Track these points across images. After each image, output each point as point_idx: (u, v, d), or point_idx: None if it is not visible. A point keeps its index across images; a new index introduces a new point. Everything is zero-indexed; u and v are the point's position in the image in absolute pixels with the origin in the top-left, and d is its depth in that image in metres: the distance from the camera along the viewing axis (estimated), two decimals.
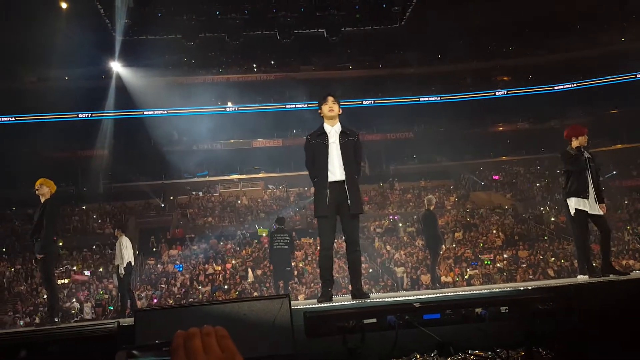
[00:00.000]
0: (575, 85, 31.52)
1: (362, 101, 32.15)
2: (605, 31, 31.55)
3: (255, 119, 30.96)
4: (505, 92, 32.51)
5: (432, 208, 12.00)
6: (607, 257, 6.80)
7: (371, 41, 30.35)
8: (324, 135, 5.45)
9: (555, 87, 31.89)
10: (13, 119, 29.04)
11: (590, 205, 6.70)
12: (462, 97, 32.68)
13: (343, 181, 5.31)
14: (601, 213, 6.73)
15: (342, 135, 5.44)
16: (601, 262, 6.78)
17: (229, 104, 32.19)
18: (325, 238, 5.43)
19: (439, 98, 32.57)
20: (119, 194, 30.48)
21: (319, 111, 5.58)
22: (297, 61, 32.79)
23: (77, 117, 29.70)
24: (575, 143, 6.90)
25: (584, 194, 6.68)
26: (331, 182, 5.32)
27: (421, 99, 32.64)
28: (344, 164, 5.33)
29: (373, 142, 32.43)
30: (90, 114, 29.67)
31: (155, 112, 30.48)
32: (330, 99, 5.53)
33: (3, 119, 28.94)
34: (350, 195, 5.29)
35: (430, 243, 12.00)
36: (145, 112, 30.22)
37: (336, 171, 5.33)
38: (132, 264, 11.45)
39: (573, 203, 6.76)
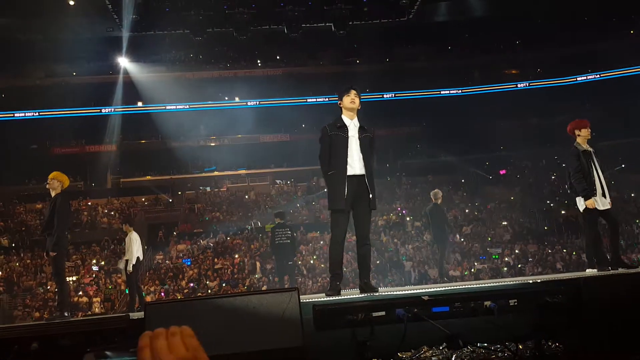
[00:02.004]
0: (598, 76, 31.16)
1: (382, 94, 32.09)
2: (614, 24, 31.30)
3: (263, 114, 30.99)
4: (527, 84, 32.27)
5: (439, 202, 11.95)
6: (617, 251, 6.80)
7: (379, 35, 30.28)
8: (344, 128, 5.43)
9: (578, 79, 31.59)
10: (37, 114, 29.11)
11: (600, 201, 6.71)
12: (484, 90, 32.38)
13: (362, 175, 5.33)
14: (609, 207, 6.73)
15: (361, 130, 5.46)
16: (610, 256, 6.77)
17: (236, 98, 32.21)
18: (339, 232, 5.40)
19: (460, 91, 32.31)
20: (127, 189, 30.61)
21: (339, 102, 5.57)
22: (304, 56, 32.73)
23: (100, 112, 29.71)
24: (579, 139, 6.91)
25: (592, 192, 6.69)
26: (350, 176, 5.31)
27: (442, 92, 32.40)
28: (363, 158, 5.35)
29: (380, 137, 32.26)
30: (113, 109, 29.71)
31: (178, 107, 30.49)
32: (353, 91, 5.52)
33: (27, 114, 29.02)
34: (371, 190, 5.33)
35: (437, 237, 11.98)
36: (167, 107, 30.25)
37: (355, 165, 5.33)
38: (141, 258, 11.47)
39: (583, 201, 6.76)
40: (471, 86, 32.76)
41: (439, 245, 12.14)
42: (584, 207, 6.75)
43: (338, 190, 5.30)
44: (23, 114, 28.91)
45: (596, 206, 6.67)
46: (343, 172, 5.30)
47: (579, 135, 6.92)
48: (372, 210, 5.43)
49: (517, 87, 32.46)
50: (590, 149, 6.88)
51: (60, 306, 7.47)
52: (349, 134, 5.39)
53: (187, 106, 30.80)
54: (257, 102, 31.69)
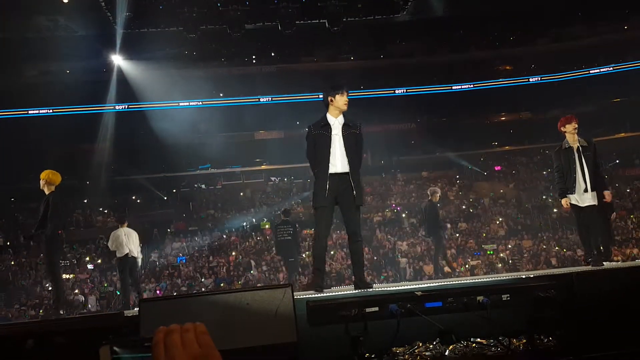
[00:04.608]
0: (611, 68, 31.04)
1: (394, 90, 32.04)
2: (607, 19, 31.36)
3: (257, 111, 30.96)
4: (539, 78, 32.18)
5: (434, 199, 12.01)
6: (599, 247, 6.81)
7: (373, 31, 30.27)
8: (327, 127, 5.48)
9: (591, 71, 31.48)
10: (50, 111, 29.07)
11: (579, 198, 6.73)
12: (493, 85, 32.18)
13: (345, 173, 5.36)
14: (592, 203, 6.71)
15: (345, 127, 5.48)
16: (593, 252, 6.82)
17: (225, 93, 32.14)
18: (322, 228, 5.47)
19: (471, 86, 32.18)
20: (122, 187, 30.49)
21: (330, 99, 5.54)
22: (298, 53, 32.66)
23: (114, 108, 29.70)
24: (567, 135, 6.96)
25: (571, 190, 6.74)
26: (331, 174, 5.36)
27: (453, 87, 32.26)
28: (347, 155, 5.38)
29: (375, 134, 32.36)
30: (127, 106, 29.83)
31: (191, 104, 30.52)
32: (346, 92, 5.56)
33: (41, 111, 28.98)
34: (355, 186, 5.34)
35: (431, 233, 12.08)
36: (180, 104, 30.30)
37: (337, 163, 5.37)
38: (132, 256, 11.20)
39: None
40: (473, 82, 32.51)
41: (434, 241, 12.25)
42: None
43: (320, 188, 5.38)
44: (37, 111, 28.91)
45: (575, 203, 6.74)
46: (325, 170, 5.37)
47: (565, 131, 6.98)
48: (359, 207, 5.43)
49: (529, 81, 32.33)
50: (578, 145, 6.89)
51: (56, 304, 7.50)
52: (332, 133, 5.44)
53: (208, 102, 30.86)
54: (268, 99, 31.64)
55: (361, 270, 5.49)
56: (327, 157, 5.37)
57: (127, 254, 10.94)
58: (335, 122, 5.49)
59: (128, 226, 11.43)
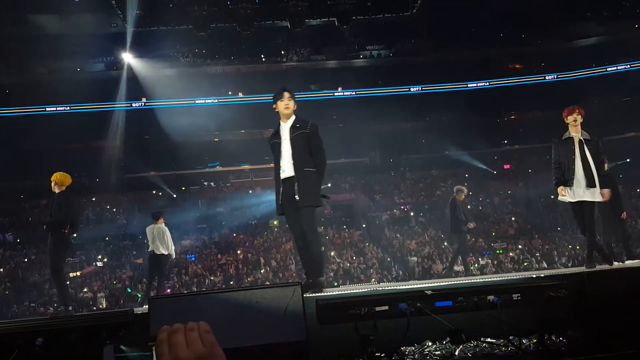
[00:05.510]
0: (629, 66, 30.69)
1: (409, 88, 31.91)
2: (617, 18, 31.12)
3: (266, 109, 30.92)
4: (555, 76, 31.91)
5: (457, 197, 12.04)
6: (591, 248, 6.59)
7: (382, 30, 30.18)
8: (277, 134, 5.48)
9: (608, 69, 31.16)
10: (68, 108, 29.24)
11: (575, 192, 6.50)
12: (508, 82, 32.05)
13: (292, 176, 5.29)
14: (588, 199, 6.46)
15: (293, 129, 5.38)
16: (586, 253, 6.68)
17: (240, 94, 32.14)
18: (292, 234, 5.49)
19: (487, 83, 32.00)
20: (131, 185, 30.55)
21: (274, 107, 5.53)
22: (307, 51, 32.66)
23: (131, 106, 29.82)
24: (569, 126, 6.81)
25: (568, 183, 6.53)
26: (283, 180, 5.34)
27: (469, 85, 32.10)
28: (293, 158, 5.29)
29: (384, 132, 32.29)
30: (143, 103, 29.95)
31: (207, 101, 30.57)
32: (286, 95, 5.47)
33: (58, 109, 29.13)
34: (298, 188, 5.22)
35: (455, 231, 12.14)
36: (197, 101, 30.37)
37: (286, 168, 5.33)
38: (158, 253, 11.28)
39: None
40: (489, 79, 32.26)
41: (454, 237, 12.30)
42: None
43: (276, 196, 5.43)
44: (54, 109, 29.06)
45: (570, 198, 6.54)
46: (277, 178, 5.41)
47: (567, 123, 6.85)
48: (309, 208, 5.24)
49: (544, 79, 32.08)
50: (579, 137, 6.66)
51: (63, 301, 7.58)
52: (282, 138, 5.40)
53: (224, 100, 30.94)
54: (297, 95, 31.54)
55: (311, 271, 5.24)
56: (278, 164, 5.39)
57: (153, 250, 11.07)
58: (285, 126, 5.44)
59: (163, 224, 11.54)
